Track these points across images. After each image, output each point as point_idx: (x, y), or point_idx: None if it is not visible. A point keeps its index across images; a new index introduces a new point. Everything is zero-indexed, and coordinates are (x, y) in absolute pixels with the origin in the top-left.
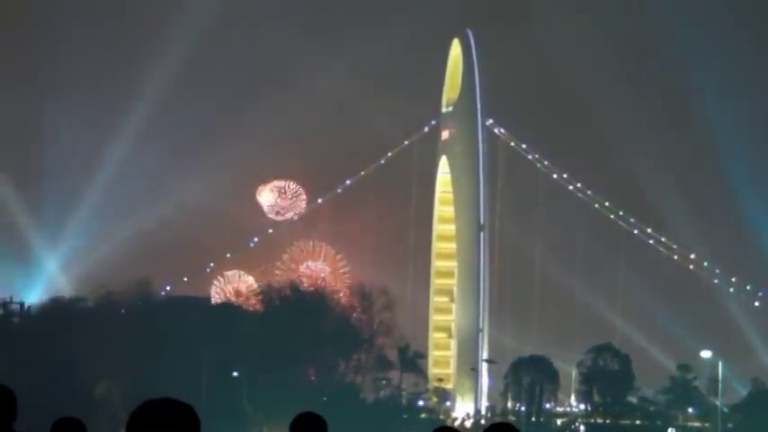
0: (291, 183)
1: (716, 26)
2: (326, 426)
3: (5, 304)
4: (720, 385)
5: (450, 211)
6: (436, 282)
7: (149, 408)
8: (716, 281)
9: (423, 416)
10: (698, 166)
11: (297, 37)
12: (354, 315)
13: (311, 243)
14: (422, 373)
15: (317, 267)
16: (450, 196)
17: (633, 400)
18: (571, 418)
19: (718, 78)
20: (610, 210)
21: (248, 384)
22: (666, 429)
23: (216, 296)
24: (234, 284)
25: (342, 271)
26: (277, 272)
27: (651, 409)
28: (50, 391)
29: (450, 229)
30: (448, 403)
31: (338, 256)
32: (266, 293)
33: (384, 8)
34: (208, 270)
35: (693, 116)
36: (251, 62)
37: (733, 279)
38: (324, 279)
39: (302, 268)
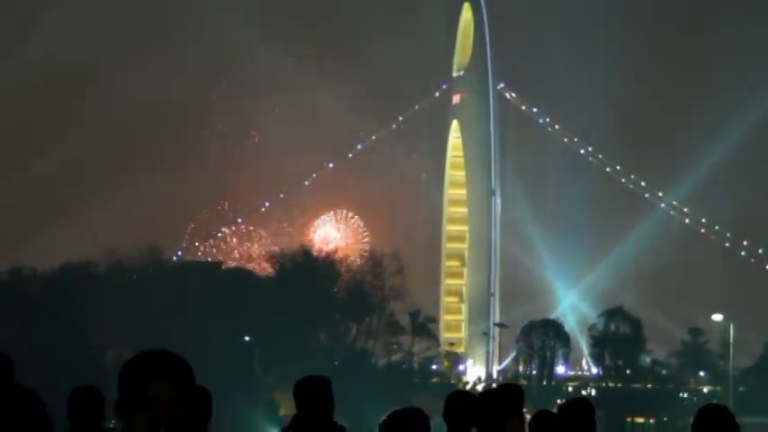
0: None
1: None
2: (330, 386)
3: (17, 270)
4: (732, 349)
5: (461, 175)
6: (448, 246)
7: (147, 357)
8: (727, 244)
9: (434, 380)
10: (706, 127)
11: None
12: (366, 280)
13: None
14: (433, 337)
15: (332, 235)
16: (462, 161)
17: (645, 364)
18: (583, 381)
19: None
20: (621, 173)
21: (259, 349)
22: (678, 393)
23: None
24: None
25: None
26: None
27: (663, 372)
28: (61, 357)
29: (462, 193)
30: (460, 367)
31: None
32: (278, 258)
33: None
34: (219, 235)
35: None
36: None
37: (744, 242)
38: (336, 248)
39: (316, 236)
